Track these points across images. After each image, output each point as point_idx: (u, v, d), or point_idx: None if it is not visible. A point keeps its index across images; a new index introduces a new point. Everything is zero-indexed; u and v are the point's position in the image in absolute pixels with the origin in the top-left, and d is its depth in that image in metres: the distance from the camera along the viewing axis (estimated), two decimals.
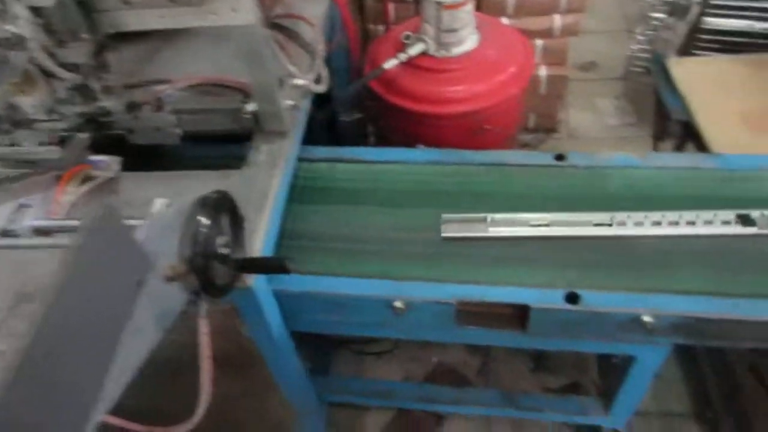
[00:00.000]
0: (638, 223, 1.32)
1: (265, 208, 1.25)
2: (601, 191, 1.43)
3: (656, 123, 2.11)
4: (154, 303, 0.80)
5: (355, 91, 1.89)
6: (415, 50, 1.83)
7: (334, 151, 1.63)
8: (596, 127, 2.80)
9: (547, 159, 1.51)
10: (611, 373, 1.58)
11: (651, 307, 1.18)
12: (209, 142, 1.54)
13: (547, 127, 2.79)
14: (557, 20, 2.39)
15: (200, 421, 1.10)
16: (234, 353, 1.39)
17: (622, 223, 1.32)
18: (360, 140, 2.30)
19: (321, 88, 1.56)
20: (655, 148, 2.19)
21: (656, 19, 2.32)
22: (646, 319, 1.17)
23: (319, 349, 2.02)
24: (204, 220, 0.91)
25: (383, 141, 2.08)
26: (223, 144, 1.52)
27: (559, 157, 1.50)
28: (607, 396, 1.59)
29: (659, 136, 2.11)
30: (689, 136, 1.81)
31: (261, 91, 1.28)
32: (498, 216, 1.37)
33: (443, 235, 1.36)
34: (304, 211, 1.48)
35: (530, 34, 2.44)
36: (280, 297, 1.32)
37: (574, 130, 2.82)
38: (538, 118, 2.75)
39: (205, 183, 1.16)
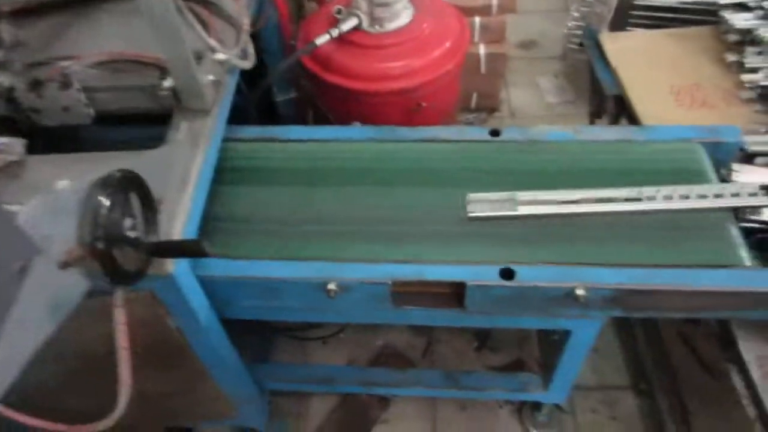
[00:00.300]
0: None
1: (186, 188, 1.17)
2: (536, 166, 1.42)
3: (592, 99, 2.13)
4: (45, 291, 0.72)
5: (286, 68, 1.81)
6: (347, 25, 1.77)
7: (264, 130, 1.56)
8: (537, 106, 2.81)
9: (482, 134, 1.48)
10: (550, 349, 1.59)
11: (584, 280, 1.17)
12: (132, 124, 1.45)
13: (489, 107, 2.79)
14: None
15: (130, 416, 1.04)
16: (163, 344, 1.31)
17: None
18: (299, 120, 2.22)
19: (247, 64, 1.48)
20: (592, 123, 2.20)
21: None
22: (580, 292, 1.16)
23: (260, 336, 1.95)
24: (105, 201, 0.83)
25: (322, 121, 2.01)
26: (145, 125, 1.43)
27: (494, 133, 1.48)
28: (546, 372, 1.60)
29: (596, 112, 2.12)
30: (622, 111, 1.82)
31: (176, 65, 1.20)
32: None
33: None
34: (232, 192, 1.41)
35: (468, 12, 2.41)
36: (207, 283, 1.25)
37: (515, 109, 2.82)
38: (479, 97, 2.74)
39: (118, 164, 1.07)
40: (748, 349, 1.25)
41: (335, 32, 1.76)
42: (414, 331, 2.06)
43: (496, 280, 1.19)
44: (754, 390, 1.20)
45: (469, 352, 2.01)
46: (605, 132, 1.48)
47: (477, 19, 2.45)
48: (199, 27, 1.26)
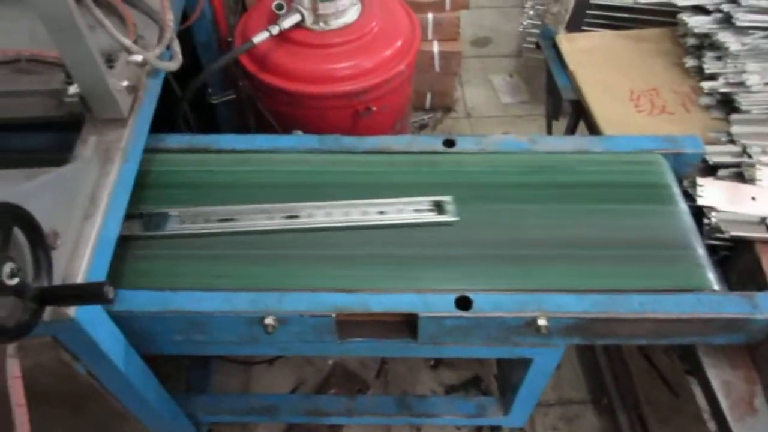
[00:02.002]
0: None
1: (94, 216, 1.01)
2: (492, 179, 1.31)
3: (548, 101, 2.05)
4: None
5: (220, 68, 1.65)
6: (289, 22, 1.61)
7: (194, 139, 1.40)
8: (492, 106, 2.72)
9: (436, 144, 1.36)
10: (509, 370, 1.49)
11: (545, 308, 1.07)
12: (35, 133, 1.27)
13: (445, 106, 2.68)
14: None
15: None
16: (74, 389, 1.15)
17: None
18: (240, 125, 2.05)
19: (172, 66, 1.31)
20: (549, 128, 2.13)
21: None
22: (542, 322, 1.07)
23: (197, 363, 1.79)
24: None
25: (265, 126, 1.86)
26: (53, 134, 1.25)
27: (448, 143, 1.37)
28: (506, 396, 1.51)
29: (553, 114, 2.04)
30: (581, 115, 1.74)
31: (79, 69, 1.03)
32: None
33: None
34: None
35: (421, 8, 2.30)
36: (124, 320, 1.09)
37: (471, 109, 2.72)
38: (434, 96, 2.63)
39: (6, 186, 0.90)
40: (715, 376, 1.19)
41: (275, 29, 1.60)
42: None
43: (452, 311, 1.08)
44: (722, 418, 1.14)
45: (425, 371, 1.90)
46: (562, 142, 1.39)
47: (430, 16, 2.33)
48: (109, 24, 1.08)
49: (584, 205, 1.26)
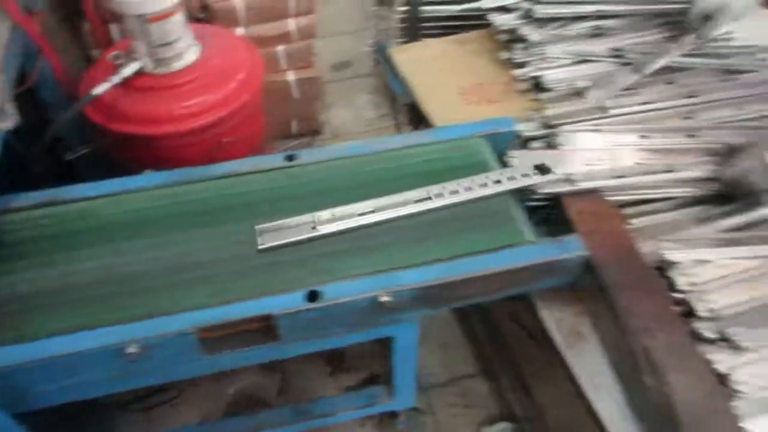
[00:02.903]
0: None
1: None
2: (334, 183, 1.43)
3: (394, 109, 2.22)
4: None
5: (64, 124, 1.68)
6: (129, 70, 1.68)
7: (43, 194, 1.43)
8: (357, 123, 2.89)
9: (278, 161, 1.47)
10: (387, 356, 1.60)
11: (386, 287, 1.19)
12: None
13: (312, 130, 2.82)
14: (292, 24, 2.40)
15: None
16: None
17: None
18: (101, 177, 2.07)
19: (6, 125, 1.34)
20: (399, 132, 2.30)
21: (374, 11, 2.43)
22: (384, 299, 1.18)
23: (93, 418, 1.77)
24: None
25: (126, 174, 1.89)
26: None
27: (290, 158, 1.48)
28: (389, 381, 1.61)
29: (403, 121, 2.22)
30: (421, 117, 1.91)
31: None
32: None
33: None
34: (4, 271, 1.26)
35: (269, 41, 2.43)
36: None
37: (337, 129, 2.88)
38: (300, 122, 2.76)
39: None
40: (548, 315, 1.35)
41: (116, 79, 1.67)
42: (265, 369, 1.99)
43: (302, 305, 1.17)
44: (558, 350, 1.30)
45: (324, 379, 1.98)
46: (396, 140, 1.54)
47: (280, 48, 2.46)
48: None
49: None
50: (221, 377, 1.95)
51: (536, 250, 1.27)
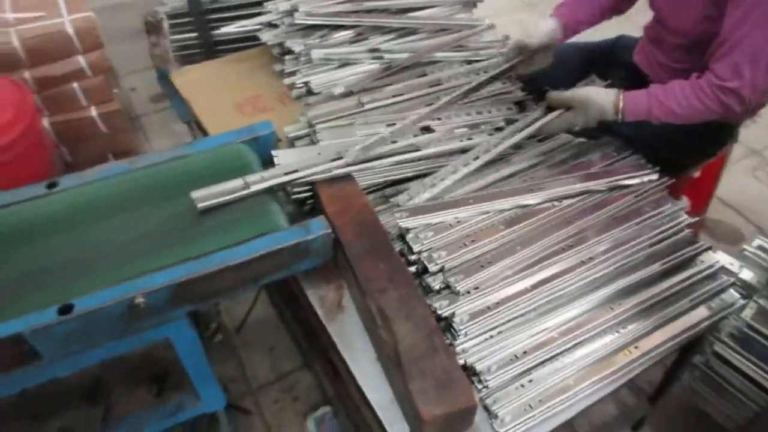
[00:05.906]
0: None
1: None
2: (91, 206, 1.48)
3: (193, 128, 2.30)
4: None
5: None
6: None
7: None
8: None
9: (39, 190, 1.50)
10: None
11: (142, 289, 1.27)
12: None
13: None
14: (82, 61, 2.41)
15: None
16: None
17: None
18: None
19: None
20: None
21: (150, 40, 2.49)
22: (139, 300, 1.25)
23: None
24: None
25: None
26: None
27: (51, 185, 1.51)
28: (189, 384, 1.67)
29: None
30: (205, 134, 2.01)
31: None
32: None
33: None
34: None
35: (63, 80, 2.42)
36: None
37: None
38: (117, 156, 2.75)
39: None
40: (312, 294, 1.49)
41: None
42: (87, 402, 1.96)
43: (54, 318, 1.21)
44: (321, 325, 1.44)
45: (150, 401, 1.98)
46: (160, 155, 1.62)
47: (75, 85, 2.46)
48: None
49: (179, 200, 1.49)
50: (38, 415, 1.90)
51: (285, 235, 1.39)
